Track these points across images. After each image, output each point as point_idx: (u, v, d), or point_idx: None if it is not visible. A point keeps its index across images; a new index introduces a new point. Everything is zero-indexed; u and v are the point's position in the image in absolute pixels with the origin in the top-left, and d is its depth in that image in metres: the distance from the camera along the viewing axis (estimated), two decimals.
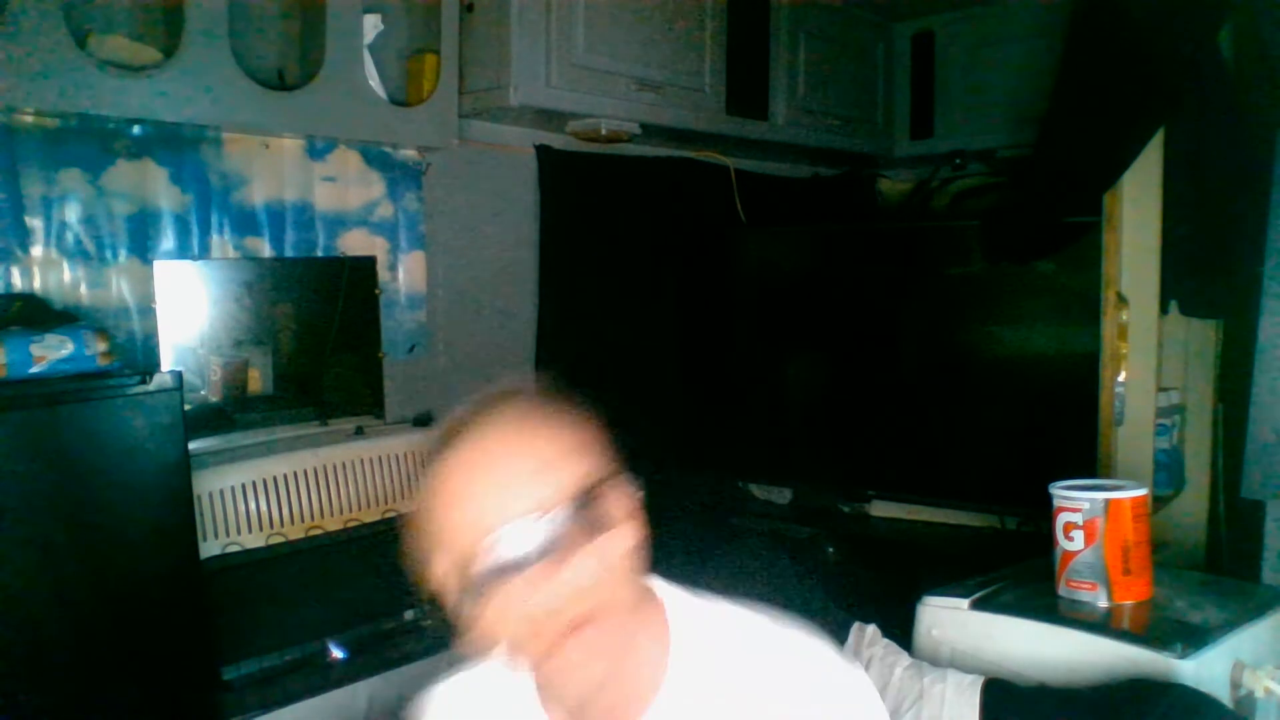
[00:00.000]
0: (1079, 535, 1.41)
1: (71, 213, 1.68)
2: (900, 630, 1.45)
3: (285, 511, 1.78)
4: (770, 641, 0.84)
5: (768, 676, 0.81)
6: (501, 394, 0.86)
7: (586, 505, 0.74)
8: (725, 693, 0.81)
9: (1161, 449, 2.04)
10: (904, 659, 1.36)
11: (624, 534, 0.76)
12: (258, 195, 1.92)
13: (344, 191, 2.04)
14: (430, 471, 0.81)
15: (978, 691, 1.25)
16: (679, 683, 0.82)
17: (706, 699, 0.81)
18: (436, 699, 1.01)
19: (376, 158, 2.09)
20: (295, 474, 1.80)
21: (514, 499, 0.73)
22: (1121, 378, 1.95)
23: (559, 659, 0.74)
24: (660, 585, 0.87)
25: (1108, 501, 1.40)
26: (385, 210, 2.11)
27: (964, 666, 1.34)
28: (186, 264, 1.81)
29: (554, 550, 0.72)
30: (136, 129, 1.73)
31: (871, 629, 1.41)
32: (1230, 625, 1.31)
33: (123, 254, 1.74)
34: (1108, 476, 1.87)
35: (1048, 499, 1.46)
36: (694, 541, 2.45)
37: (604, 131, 2.29)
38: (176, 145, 1.79)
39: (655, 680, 0.82)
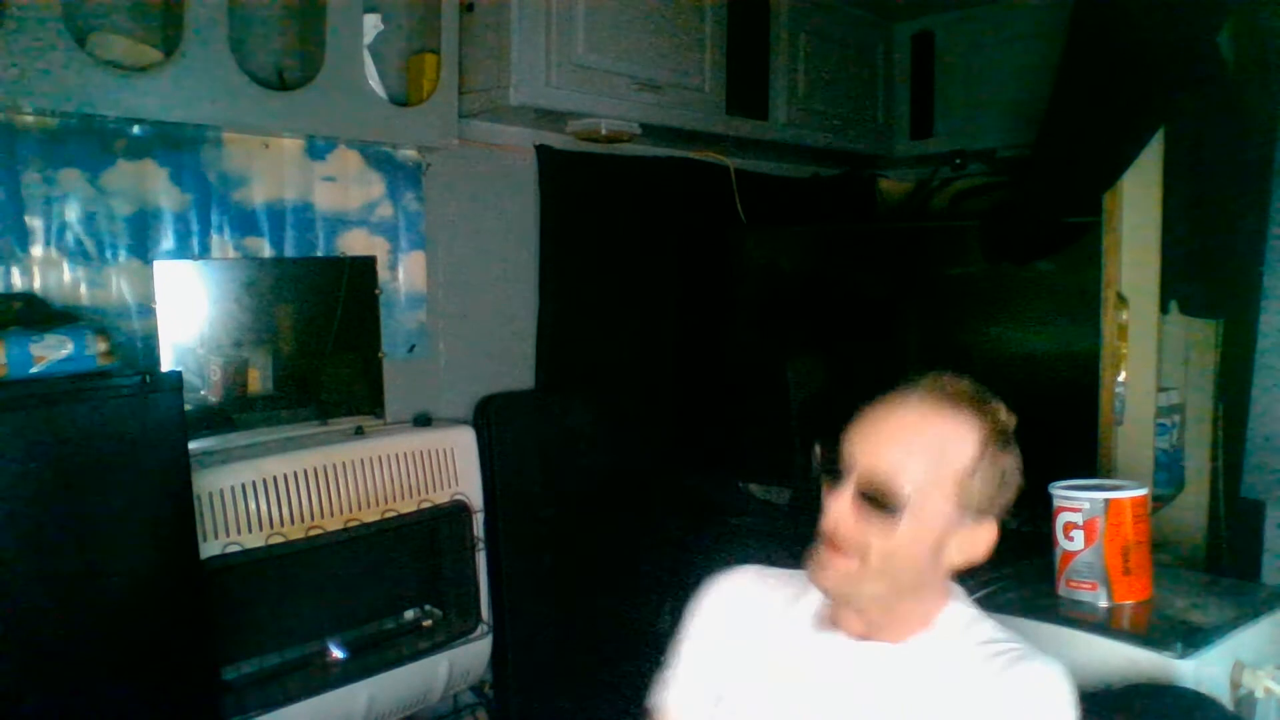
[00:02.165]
0: (1079, 535, 1.41)
1: (71, 213, 1.68)
2: None
3: (285, 511, 1.77)
4: (1027, 654, 1.01)
5: (1008, 676, 0.98)
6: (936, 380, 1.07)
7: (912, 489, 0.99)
8: (963, 669, 1.00)
9: (1161, 449, 2.03)
10: None
11: (919, 526, 1.00)
12: (258, 195, 1.92)
13: (344, 191, 2.04)
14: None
15: None
16: (936, 635, 1.04)
17: (948, 661, 1.01)
18: (724, 580, 1.20)
19: (376, 158, 2.09)
20: (295, 474, 1.80)
21: (888, 449, 1.01)
22: (1121, 378, 1.95)
23: (814, 554, 1.04)
24: (958, 593, 1.10)
25: (1108, 501, 1.40)
26: (385, 210, 2.11)
27: None
28: (186, 264, 1.81)
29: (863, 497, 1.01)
30: (136, 129, 1.73)
31: None
32: (1230, 625, 1.31)
33: (123, 254, 1.74)
34: (1108, 476, 1.87)
35: (1048, 499, 1.46)
36: (694, 541, 2.45)
37: (604, 131, 2.29)
38: (176, 145, 1.79)
39: (910, 625, 1.04)
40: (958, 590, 1.10)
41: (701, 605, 1.19)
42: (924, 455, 1.00)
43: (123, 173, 1.73)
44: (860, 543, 1.01)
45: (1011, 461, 1.04)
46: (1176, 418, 2.12)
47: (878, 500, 0.99)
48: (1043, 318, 2.33)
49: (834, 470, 1.03)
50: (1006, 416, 1.05)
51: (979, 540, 1.04)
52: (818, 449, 1.07)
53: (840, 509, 1.01)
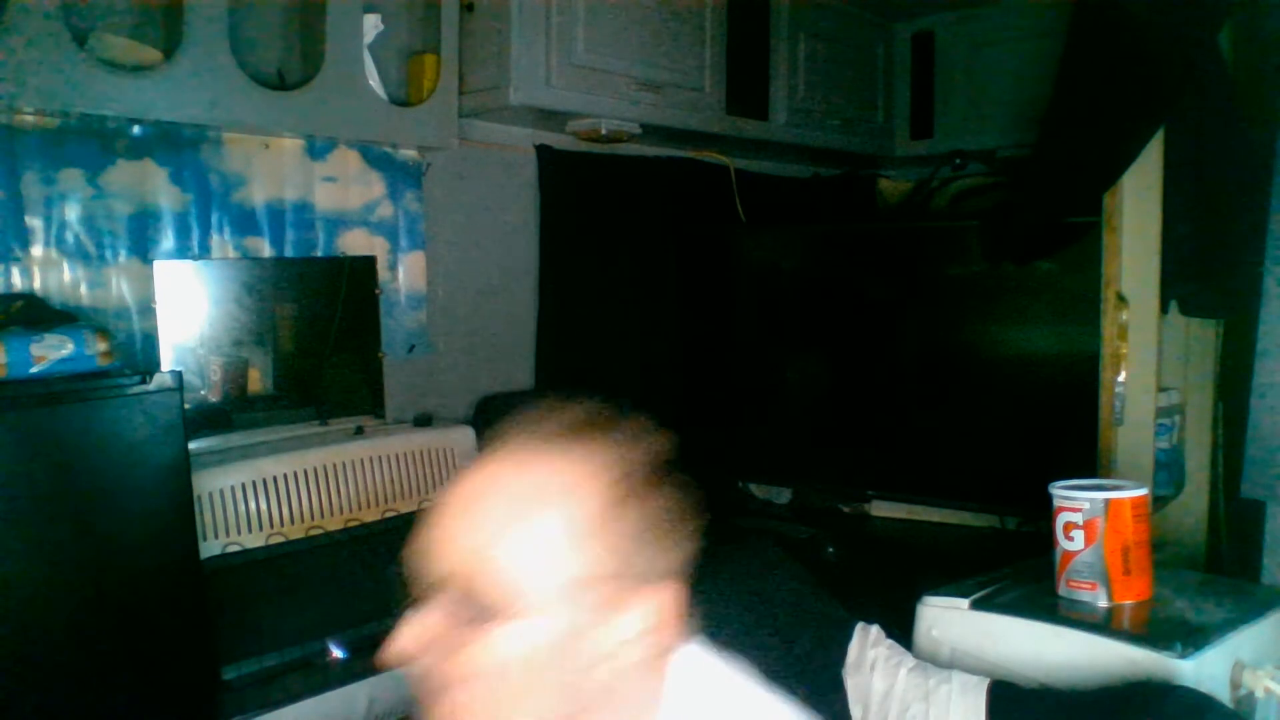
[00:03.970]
0: (1079, 535, 1.41)
1: (71, 213, 1.68)
2: (900, 630, 1.45)
3: (285, 511, 1.77)
4: None
5: None
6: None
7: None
8: None
9: (1161, 449, 2.03)
10: (909, 660, 1.36)
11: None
12: (258, 195, 1.92)
13: (344, 191, 2.04)
14: None
15: (983, 693, 1.25)
16: None
17: None
18: None
19: (376, 158, 2.09)
20: (295, 474, 1.80)
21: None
22: (1121, 378, 1.94)
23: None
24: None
25: (1108, 501, 1.40)
26: (385, 210, 2.11)
27: (964, 666, 1.34)
28: (186, 264, 1.81)
29: None
30: (136, 129, 1.73)
31: (875, 629, 1.41)
32: (1230, 625, 1.31)
33: (123, 254, 1.74)
34: (1108, 476, 1.87)
35: (1048, 499, 1.46)
36: (694, 541, 2.45)
37: (604, 131, 2.29)
38: (176, 145, 1.79)
39: None
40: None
41: None
42: (514, 539, 0.75)
43: (123, 173, 1.73)
44: (458, 667, 0.75)
45: (653, 516, 0.80)
46: (1176, 418, 2.11)
47: (468, 609, 0.75)
48: (1043, 318, 2.33)
49: (415, 590, 0.78)
50: (633, 453, 0.83)
51: (636, 622, 0.77)
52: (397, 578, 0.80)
53: (420, 628, 0.76)
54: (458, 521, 0.77)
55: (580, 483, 0.77)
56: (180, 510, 1.49)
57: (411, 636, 0.76)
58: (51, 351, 1.37)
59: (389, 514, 1.93)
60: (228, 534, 1.70)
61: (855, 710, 1.34)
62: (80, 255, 1.69)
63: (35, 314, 1.51)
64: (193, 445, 1.58)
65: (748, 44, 2.60)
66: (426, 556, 0.77)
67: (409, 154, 2.14)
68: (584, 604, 0.75)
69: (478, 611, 0.74)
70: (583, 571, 0.75)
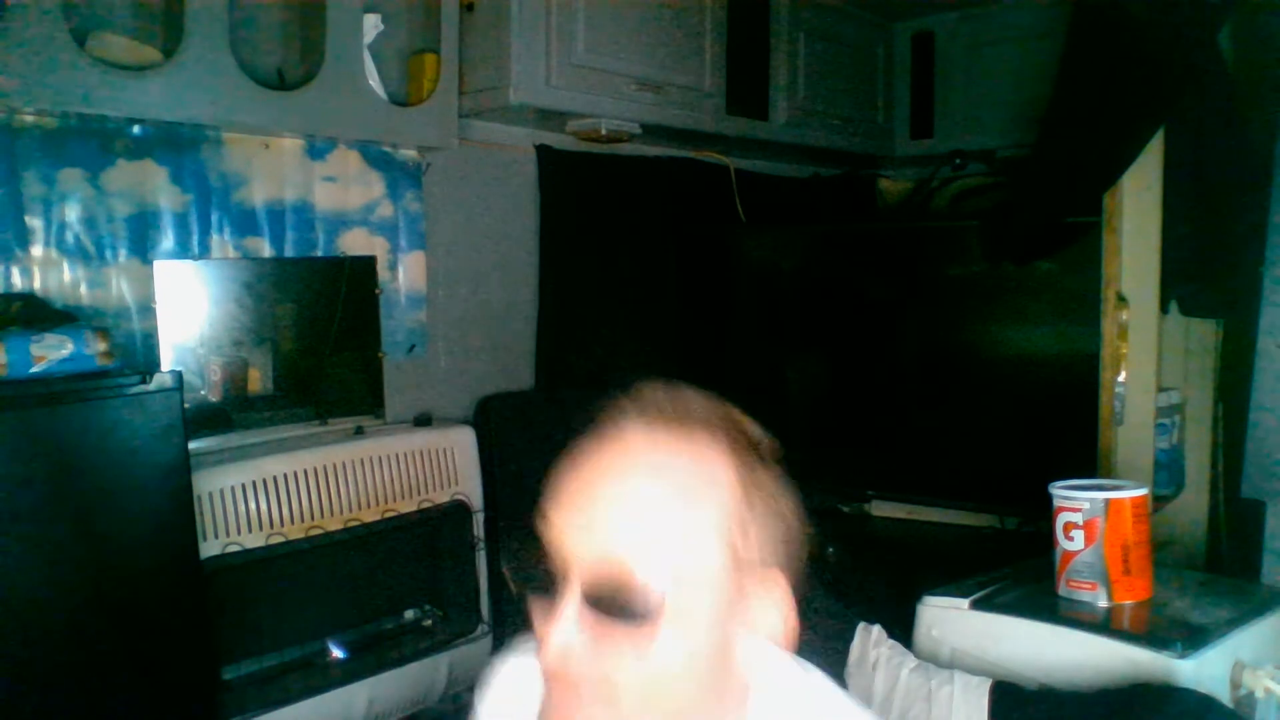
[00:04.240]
0: (1079, 535, 1.41)
1: (71, 213, 1.68)
2: (901, 630, 1.45)
3: (285, 511, 1.77)
4: None
5: None
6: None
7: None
8: None
9: (1161, 449, 2.03)
10: (910, 660, 1.36)
11: (689, 629, 0.67)
12: (258, 195, 1.92)
13: (344, 191, 2.04)
14: None
15: (985, 694, 1.25)
16: None
17: None
18: (505, 673, 0.90)
19: (376, 158, 2.09)
20: (295, 474, 1.80)
21: (615, 528, 0.68)
22: (1121, 378, 1.94)
23: (545, 701, 0.71)
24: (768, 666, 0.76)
25: (1108, 501, 1.40)
26: (385, 210, 2.11)
27: (964, 666, 1.34)
28: (186, 264, 1.81)
29: None
30: (136, 129, 1.73)
31: (876, 629, 1.41)
32: (1230, 625, 1.31)
33: (123, 254, 1.74)
34: (1108, 476, 1.87)
35: (1048, 499, 1.46)
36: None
37: (604, 131, 2.29)
38: (176, 145, 1.79)
39: None
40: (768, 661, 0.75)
41: (485, 701, 0.88)
42: (668, 522, 0.67)
43: (123, 173, 1.73)
44: (604, 679, 0.66)
45: (785, 495, 0.73)
46: (1176, 418, 2.11)
47: (617, 609, 0.66)
48: (1043, 318, 2.33)
49: (539, 580, 0.70)
50: (757, 430, 0.76)
51: (773, 615, 0.71)
52: (508, 563, 0.74)
53: (564, 635, 0.66)
54: (595, 502, 0.68)
55: (719, 468, 0.70)
56: (180, 510, 1.49)
57: (555, 638, 0.67)
58: (51, 351, 1.37)
59: (389, 514, 1.93)
60: (228, 534, 1.70)
61: None
62: (80, 255, 1.69)
63: (35, 314, 1.52)
64: (193, 445, 1.58)
65: (748, 44, 2.60)
66: (559, 538, 0.69)
67: (409, 154, 2.14)
68: (730, 597, 0.68)
69: (624, 607, 0.65)
70: (727, 561, 0.68)
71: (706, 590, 0.68)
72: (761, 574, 0.70)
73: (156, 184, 1.77)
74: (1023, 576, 1.53)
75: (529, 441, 2.29)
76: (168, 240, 1.80)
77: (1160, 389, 1.99)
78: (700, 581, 0.67)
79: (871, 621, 1.43)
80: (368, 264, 2.08)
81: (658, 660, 0.66)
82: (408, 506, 1.96)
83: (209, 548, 1.65)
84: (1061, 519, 1.43)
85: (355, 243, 2.07)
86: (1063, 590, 1.44)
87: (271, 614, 1.84)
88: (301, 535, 1.79)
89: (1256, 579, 1.85)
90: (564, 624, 0.67)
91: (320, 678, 1.85)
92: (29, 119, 1.61)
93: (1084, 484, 1.45)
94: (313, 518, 1.81)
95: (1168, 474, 2.09)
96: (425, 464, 2.00)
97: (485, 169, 2.33)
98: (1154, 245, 1.92)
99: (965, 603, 1.43)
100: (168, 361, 1.76)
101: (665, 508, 0.67)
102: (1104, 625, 1.34)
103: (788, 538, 0.73)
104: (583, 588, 0.67)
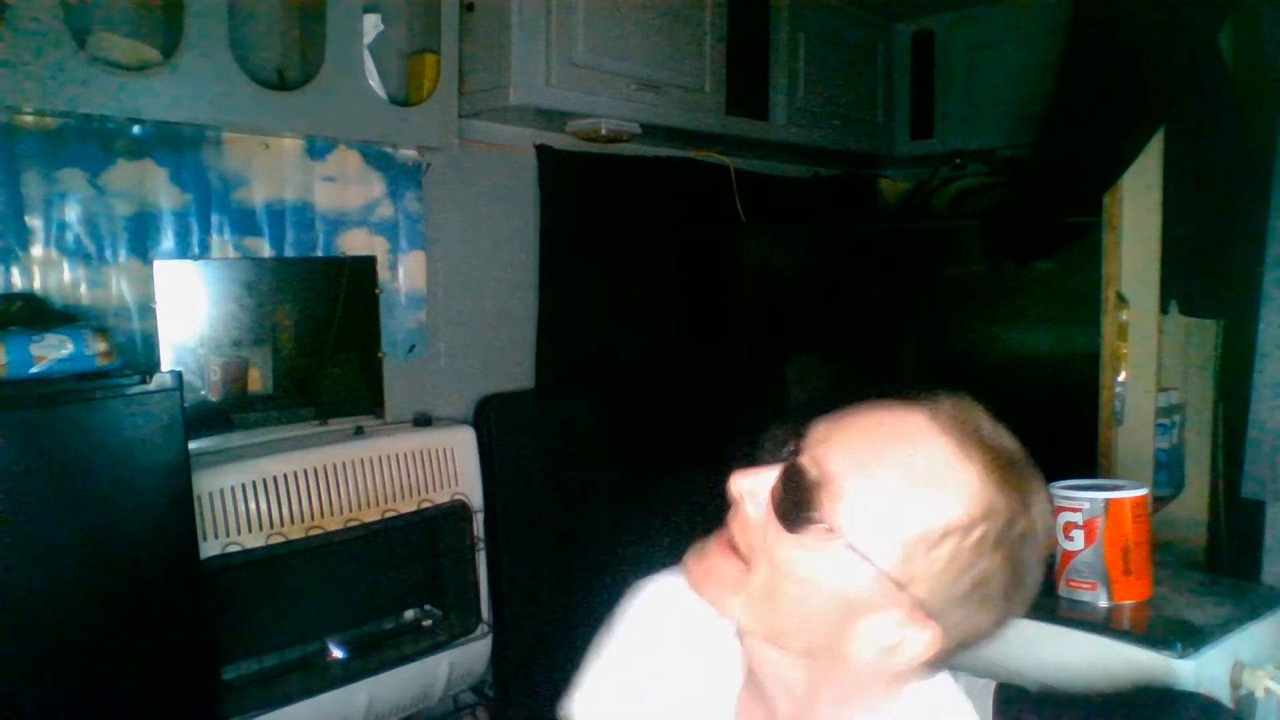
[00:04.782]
0: (1079, 535, 1.41)
1: (71, 213, 1.68)
2: None
3: (285, 511, 1.77)
4: None
5: None
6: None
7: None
8: None
9: (1161, 449, 2.03)
10: None
11: (831, 560, 0.72)
12: (258, 195, 1.92)
13: (344, 191, 2.04)
14: None
15: (990, 695, 1.25)
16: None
17: None
18: (650, 591, 0.96)
19: (376, 158, 2.09)
20: (295, 474, 1.80)
21: (853, 442, 0.77)
22: (1121, 378, 1.94)
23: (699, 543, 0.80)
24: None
25: (1108, 501, 1.40)
26: (385, 210, 2.11)
27: (963, 666, 1.34)
28: (186, 264, 1.81)
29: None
30: (136, 129, 1.73)
31: None
32: (1230, 625, 1.31)
33: (123, 254, 1.74)
34: (1108, 476, 1.87)
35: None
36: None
37: (604, 131, 2.29)
38: (176, 145, 1.79)
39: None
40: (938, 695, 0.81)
41: (626, 615, 0.95)
42: (894, 480, 0.71)
43: (123, 173, 1.73)
44: (755, 542, 0.74)
45: (1004, 572, 0.72)
46: (1176, 418, 2.11)
47: (802, 494, 0.72)
48: (1043, 318, 2.33)
49: (779, 446, 0.79)
50: (1041, 505, 0.75)
51: (905, 643, 0.73)
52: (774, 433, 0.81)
53: (757, 483, 0.76)
54: (878, 449, 0.74)
55: (992, 518, 0.72)
56: (180, 510, 1.49)
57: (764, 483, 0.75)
58: (51, 351, 1.37)
59: (389, 514, 1.93)
60: (228, 534, 1.70)
61: None
62: (80, 255, 1.69)
63: (35, 314, 1.52)
64: (193, 445, 1.58)
65: (747, 44, 2.60)
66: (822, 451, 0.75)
67: (409, 154, 2.14)
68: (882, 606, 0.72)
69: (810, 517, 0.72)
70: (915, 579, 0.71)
71: (863, 562, 0.70)
72: (915, 608, 0.72)
73: (156, 184, 1.77)
74: None
75: (529, 441, 2.29)
76: (168, 240, 1.80)
77: (1160, 389, 1.99)
78: (873, 545, 0.70)
79: None
80: (368, 264, 2.08)
81: (793, 555, 0.72)
82: (408, 506, 1.96)
83: (209, 548, 1.65)
84: (1061, 519, 1.43)
85: (355, 243, 2.07)
86: (1063, 590, 1.44)
87: (271, 614, 1.84)
88: (301, 535, 1.79)
89: (1256, 579, 1.85)
90: (760, 478, 0.76)
91: (320, 678, 1.85)
92: (29, 119, 1.61)
93: (1084, 484, 1.45)
94: (313, 518, 1.81)
95: (1168, 474, 2.09)
96: (425, 464, 2.00)
97: (485, 169, 2.33)
98: (1154, 245, 1.92)
99: None
100: (168, 361, 1.76)
101: (903, 470, 0.72)
102: (1104, 625, 1.34)
103: (969, 615, 0.73)
104: (797, 463, 0.74)
